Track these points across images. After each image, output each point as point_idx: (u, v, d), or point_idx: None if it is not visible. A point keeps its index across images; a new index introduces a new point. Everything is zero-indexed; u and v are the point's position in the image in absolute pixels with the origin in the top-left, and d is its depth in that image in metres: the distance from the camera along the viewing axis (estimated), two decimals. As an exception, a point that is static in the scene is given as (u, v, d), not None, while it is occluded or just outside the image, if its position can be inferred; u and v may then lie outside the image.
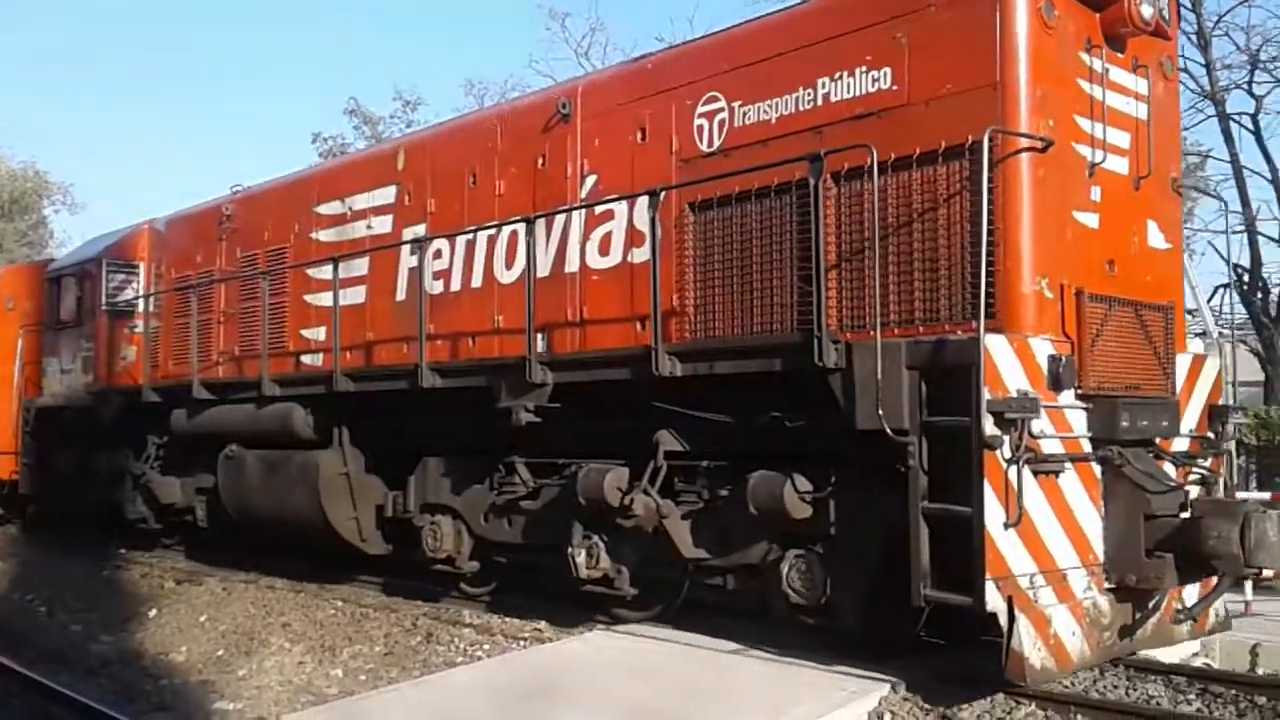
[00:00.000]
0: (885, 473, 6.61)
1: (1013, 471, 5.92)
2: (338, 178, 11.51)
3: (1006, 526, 5.91)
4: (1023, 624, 5.92)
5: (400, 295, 10.39)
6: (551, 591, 9.36)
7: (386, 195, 10.70)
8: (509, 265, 9.33)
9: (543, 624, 8.87)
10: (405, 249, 10.33)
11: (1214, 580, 6.78)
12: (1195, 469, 7.17)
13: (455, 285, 9.76)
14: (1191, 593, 7.10)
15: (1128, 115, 7.08)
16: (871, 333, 6.37)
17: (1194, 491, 7.00)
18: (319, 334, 11.40)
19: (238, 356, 12.52)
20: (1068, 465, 6.30)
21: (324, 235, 11.46)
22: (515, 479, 9.15)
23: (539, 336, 9.02)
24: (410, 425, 10.24)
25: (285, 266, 11.46)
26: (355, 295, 10.88)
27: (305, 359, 11.52)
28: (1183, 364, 7.29)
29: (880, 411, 6.14)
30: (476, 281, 9.60)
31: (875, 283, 6.36)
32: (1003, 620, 5.89)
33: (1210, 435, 7.43)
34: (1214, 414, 7.50)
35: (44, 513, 16.80)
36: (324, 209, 11.49)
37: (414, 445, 10.23)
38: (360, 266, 10.79)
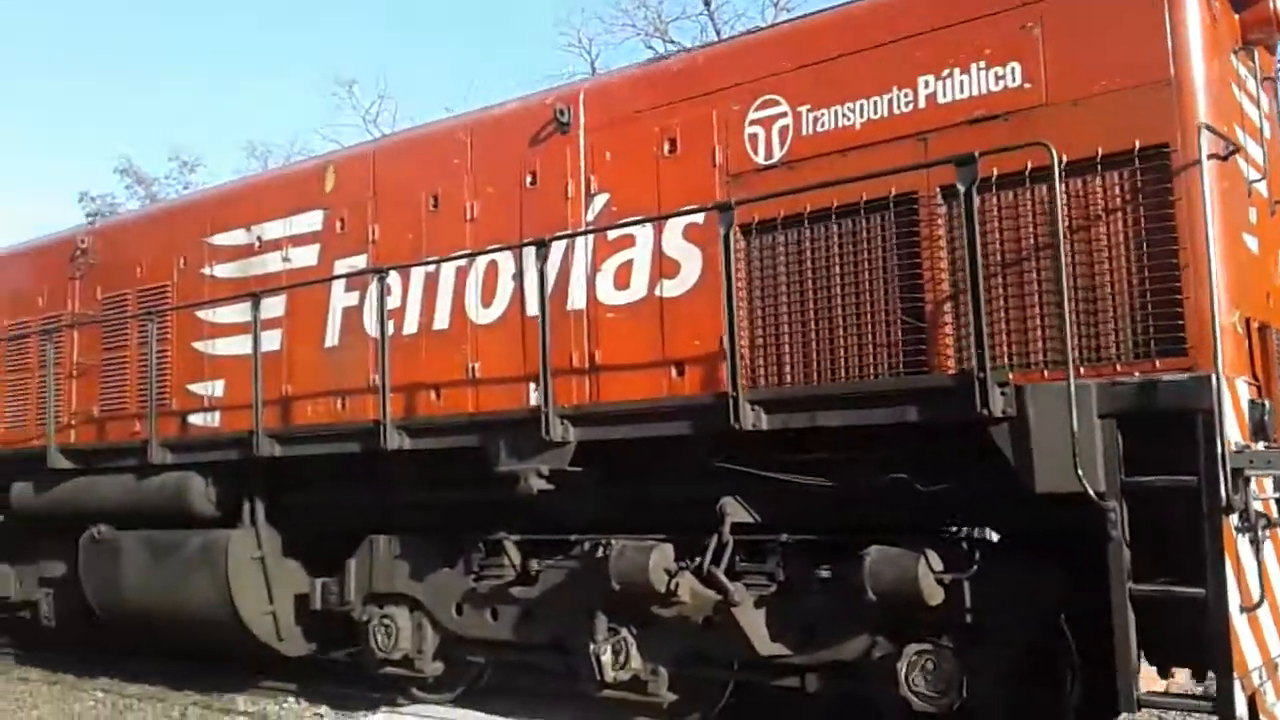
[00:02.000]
0: (1037, 545, 5.35)
1: (1243, 542, 4.74)
2: (239, 202, 9.44)
3: (1242, 610, 4.72)
4: (1258, 730, 4.74)
5: (330, 340, 8.46)
6: (541, 695, 7.62)
7: (310, 222, 8.76)
8: (486, 303, 7.62)
9: (323, 708, 8.33)
10: (338, 286, 8.44)
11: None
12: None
13: (410, 328, 7.95)
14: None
15: (1261, 131, 6.17)
16: (1044, 373, 5.12)
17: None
18: (213, 388, 9.25)
19: (98, 418, 10.14)
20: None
21: (221, 270, 9.36)
22: (502, 560, 7.38)
23: (530, 387, 7.36)
24: (348, 498, 8.28)
25: (178, 306, 9.26)
26: (268, 341, 8.84)
27: (194, 419, 9.34)
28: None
29: (1079, 471, 4.84)
30: (441, 323, 7.83)
31: (1069, 308, 5.09)
32: (1239, 727, 4.68)
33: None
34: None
35: None
36: (221, 239, 9.39)
37: (353, 522, 8.26)
38: (274, 307, 8.79)
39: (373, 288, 8.19)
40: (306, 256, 8.75)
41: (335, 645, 8.89)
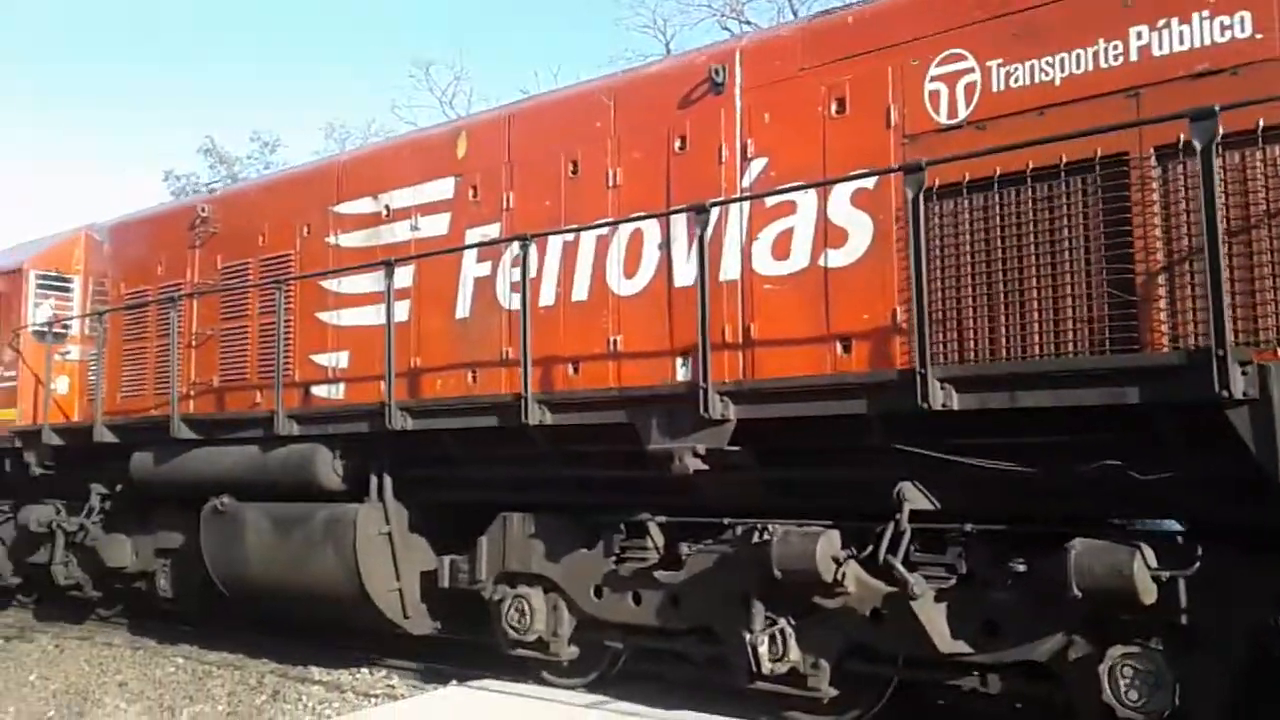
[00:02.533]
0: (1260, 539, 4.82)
1: None
2: (366, 170, 9.16)
3: None
4: None
5: (461, 311, 8.15)
6: (680, 685, 7.24)
7: (441, 189, 8.45)
8: (630, 273, 7.24)
9: (395, 680, 8.34)
10: (470, 256, 8.12)
11: None
12: None
13: (547, 299, 7.60)
14: None
15: None
16: (1276, 351, 4.59)
17: None
18: (337, 360, 9.02)
19: (217, 388, 9.99)
20: None
21: (347, 239, 9.11)
22: (645, 543, 7.00)
23: (678, 361, 6.97)
24: (478, 474, 7.96)
25: (307, 275, 9.01)
26: (396, 312, 8.57)
27: (317, 390, 9.12)
28: None
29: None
30: (580, 294, 7.47)
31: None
32: None
33: None
34: None
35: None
36: (347, 208, 9.14)
37: (482, 498, 7.96)
38: (403, 278, 8.50)
39: (506, 257, 7.89)
40: (436, 225, 8.44)
41: (459, 624, 8.60)
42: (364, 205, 9.01)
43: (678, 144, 7.09)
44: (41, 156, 53.19)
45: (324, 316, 9.14)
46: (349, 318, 8.99)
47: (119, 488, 10.58)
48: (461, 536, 8.22)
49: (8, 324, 11.78)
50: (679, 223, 6.96)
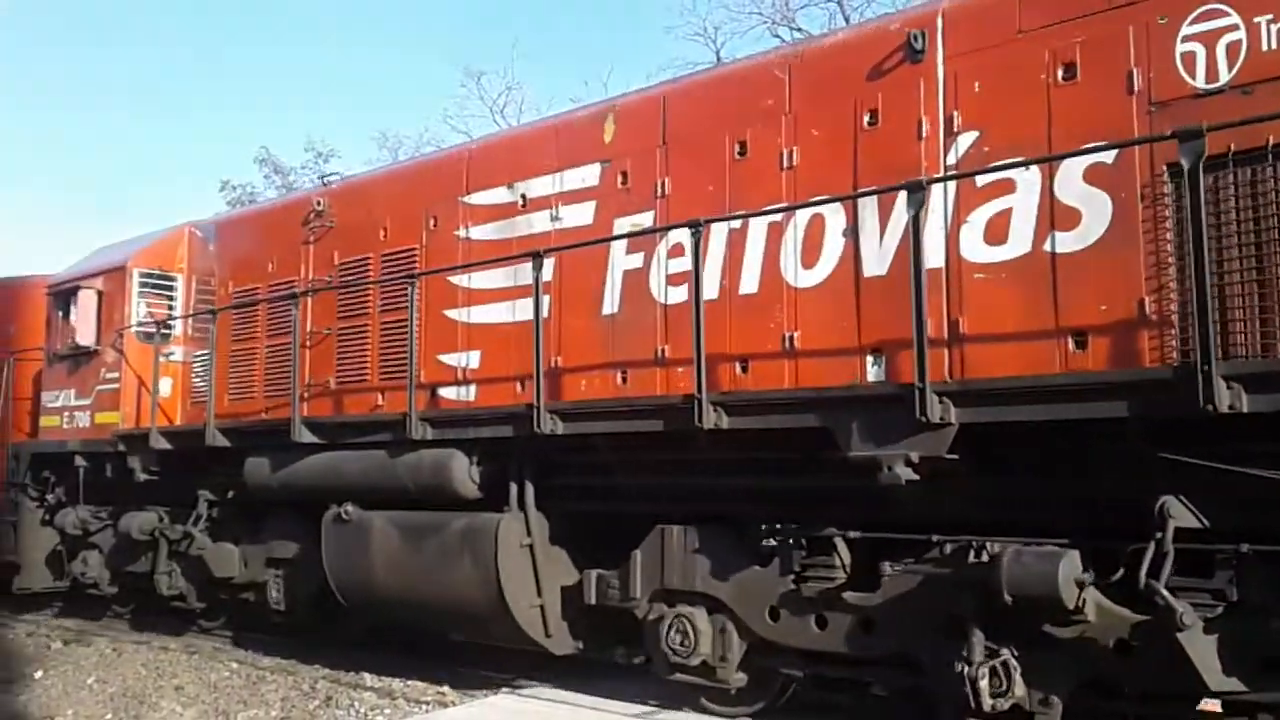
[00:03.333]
0: None
1: None
2: (499, 158, 8.56)
3: None
4: None
5: (609, 307, 7.51)
6: (862, 716, 6.51)
7: (584, 176, 7.82)
8: (809, 263, 6.54)
9: (445, 687, 8.25)
10: (618, 247, 7.47)
11: None
12: None
13: (710, 292, 6.91)
14: None
15: None
16: None
17: None
18: (468, 360, 8.42)
19: (334, 390, 9.43)
20: None
21: (479, 231, 8.50)
22: (830, 560, 6.28)
23: (868, 359, 6.25)
24: (632, 482, 7.29)
25: (439, 270, 8.40)
26: (528, 310, 7.94)
27: (445, 392, 8.52)
28: None
29: None
30: (748, 286, 6.79)
31: None
32: None
33: None
34: None
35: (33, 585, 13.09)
36: (478, 198, 8.54)
37: (637, 509, 7.29)
38: (542, 272, 7.88)
39: (661, 248, 7.24)
40: (580, 215, 7.81)
41: (601, 644, 7.94)
42: (497, 195, 8.41)
43: (866, 119, 6.38)
44: (93, 168, 53.78)
45: (453, 314, 8.54)
46: (480, 315, 8.38)
47: (230, 494, 10.06)
48: (604, 550, 7.58)
49: (110, 324, 11.34)
50: (867, 206, 6.26)
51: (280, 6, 50.48)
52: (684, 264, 7.08)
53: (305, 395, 9.73)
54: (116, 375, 11.18)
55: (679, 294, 7.12)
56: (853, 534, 6.17)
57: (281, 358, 9.99)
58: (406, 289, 8.81)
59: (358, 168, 24.49)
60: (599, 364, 7.51)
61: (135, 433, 10.68)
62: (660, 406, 6.70)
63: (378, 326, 9.15)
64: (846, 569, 6.27)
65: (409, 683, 8.50)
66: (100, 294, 11.44)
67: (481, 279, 8.38)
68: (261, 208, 11.23)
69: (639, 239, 7.35)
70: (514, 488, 7.75)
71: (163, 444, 10.19)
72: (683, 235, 7.06)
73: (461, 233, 8.60)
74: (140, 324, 11.11)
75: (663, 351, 7.16)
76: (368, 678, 8.75)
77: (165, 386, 11.26)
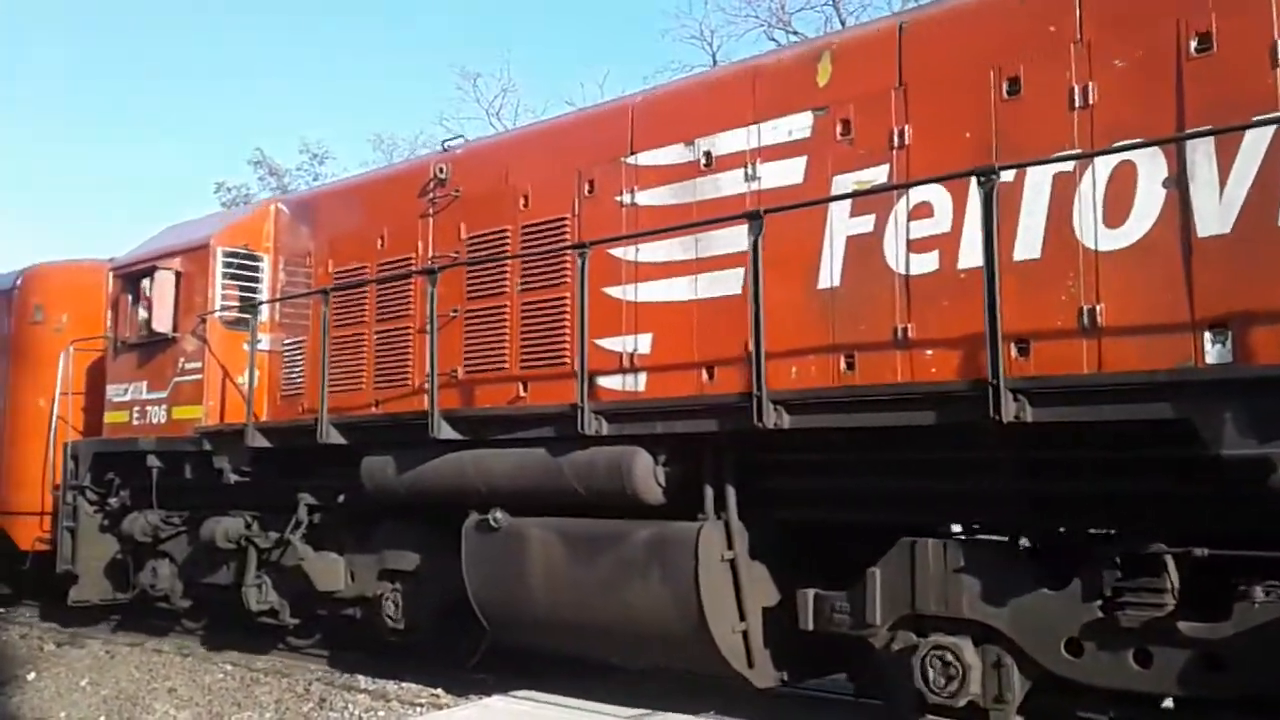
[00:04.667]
0: None
1: None
2: (675, 110, 7.31)
3: None
4: None
5: (826, 280, 6.27)
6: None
7: (791, 128, 6.58)
8: (1114, 221, 5.31)
9: (439, 689, 8.12)
10: (839, 211, 6.23)
11: None
12: None
13: (967, 260, 5.69)
14: None
15: None
16: None
17: None
18: (635, 344, 7.17)
19: (463, 380, 8.18)
20: None
21: (648, 196, 7.26)
22: (1159, 582, 5.04)
23: (1206, 337, 5.03)
24: (867, 485, 6.07)
25: (606, 240, 7.12)
26: (720, 285, 6.75)
27: (606, 382, 7.27)
28: None
29: None
30: (1027, 251, 5.55)
31: None
32: None
33: None
34: None
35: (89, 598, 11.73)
36: (646, 158, 7.29)
37: (871, 518, 6.07)
38: (726, 241, 6.68)
39: (900, 208, 6.02)
40: (785, 173, 6.57)
41: (803, 674, 6.73)
42: (672, 154, 7.16)
43: (1194, 44, 5.16)
44: (89, 170, 52.43)
45: (614, 292, 7.30)
46: (652, 292, 7.15)
47: (341, 498, 8.79)
48: (816, 566, 6.38)
49: (191, 309, 10.06)
50: (1198, 149, 5.04)
51: (276, 7, 49.26)
52: (931, 226, 5.88)
53: (427, 386, 8.50)
54: (198, 365, 9.90)
55: (925, 263, 5.89)
56: (1200, 551, 4.92)
57: (395, 344, 8.75)
58: (553, 265, 7.64)
59: (354, 169, 23.96)
60: (813, 346, 6.27)
61: (225, 429, 9.41)
62: (932, 394, 5.47)
63: (517, 307, 7.90)
64: (1176, 593, 5.04)
65: (403, 685, 8.37)
66: (178, 275, 10.17)
67: (653, 251, 7.13)
68: (366, 178, 9.95)
69: (868, 199, 6.12)
70: (709, 491, 6.51)
71: (261, 441, 8.93)
72: (930, 193, 5.87)
73: (625, 198, 7.36)
74: (226, 308, 9.85)
75: (903, 331, 5.93)
76: (361, 680, 8.64)
77: (253, 379, 10.01)
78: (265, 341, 10.05)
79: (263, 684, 8.72)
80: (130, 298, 10.68)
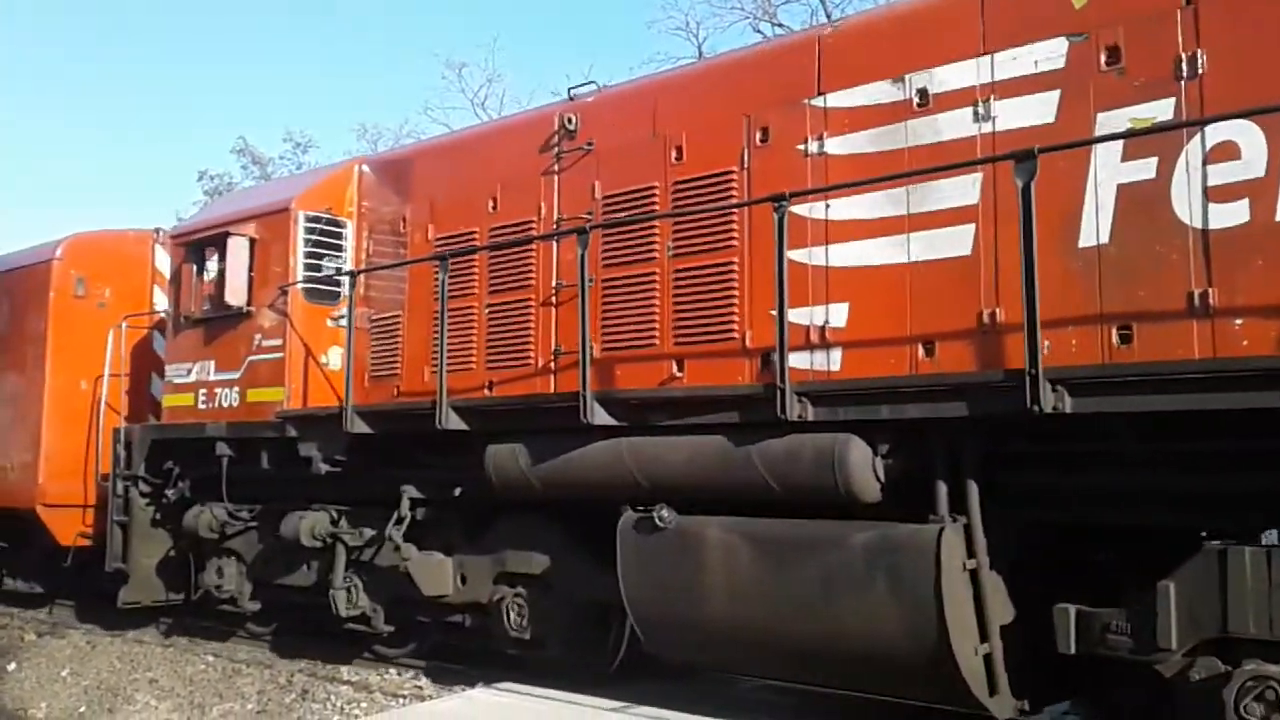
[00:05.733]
0: None
1: None
2: (877, 42, 6.19)
3: None
4: None
5: (1091, 237, 5.20)
6: None
7: (1038, 57, 5.48)
8: None
9: (424, 680, 8.06)
10: (1107, 156, 5.16)
11: None
12: None
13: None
14: None
15: None
16: None
17: None
18: (826, 315, 6.08)
19: (599, 359, 7.08)
20: None
21: (840, 144, 6.15)
22: None
23: None
24: (1151, 482, 5.01)
25: (812, 191, 6.01)
26: (938, 245, 5.68)
27: (794, 359, 6.16)
28: None
29: None
30: (1379, 197, 4.49)
31: None
32: None
33: None
34: None
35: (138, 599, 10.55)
36: (840, 99, 6.19)
37: (1164, 520, 5.02)
38: (951, 194, 5.61)
39: (1192, 149, 4.94)
40: (1031, 111, 5.47)
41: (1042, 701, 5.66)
42: (873, 93, 6.06)
43: None
44: (68, 157, 50.87)
45: (799, 256, 6.20)
46: (847, 256, 6.06)
47: (458, 491, 7.68)
48: (1059, 577, 5.34)
49: (268, 279, 8.91)
50: None
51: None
52: (1238, 171, 4.82)
53: (552, 366, 7.42)
54: (278, 343, 8.75)
55: (1230, 214, 4.83)
56: None
57: (513, 319, 7.66)
58: (719, 225, 6.56)
59: (338, 158, 22.91)
60: (1074, 316, 5.19)
61: (317, 413, 8.27)
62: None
63: (669, 275, 6.81)
64: None
65: (385, 676, 8.25)
66: (253, 242, 9.01)
67: (849, 208, 6.05)
68: (472, 133, 8.86)
69: (1145, 141, 5.04)
70: (941, 488, 5.42)
71: (362, 427, 7.80)
72: (1234, 130, 4.80)
73: (811, 147, 6.25)
74: (309, 279, 8.71)
75: (1201, 297, 4.87)
76: (344, 671, 8.46)
77: (335, 357, 8.90)
78: (345, 315, 8.94)
79: (245, 675, 8.53)
80: (195, 268, 9.51)
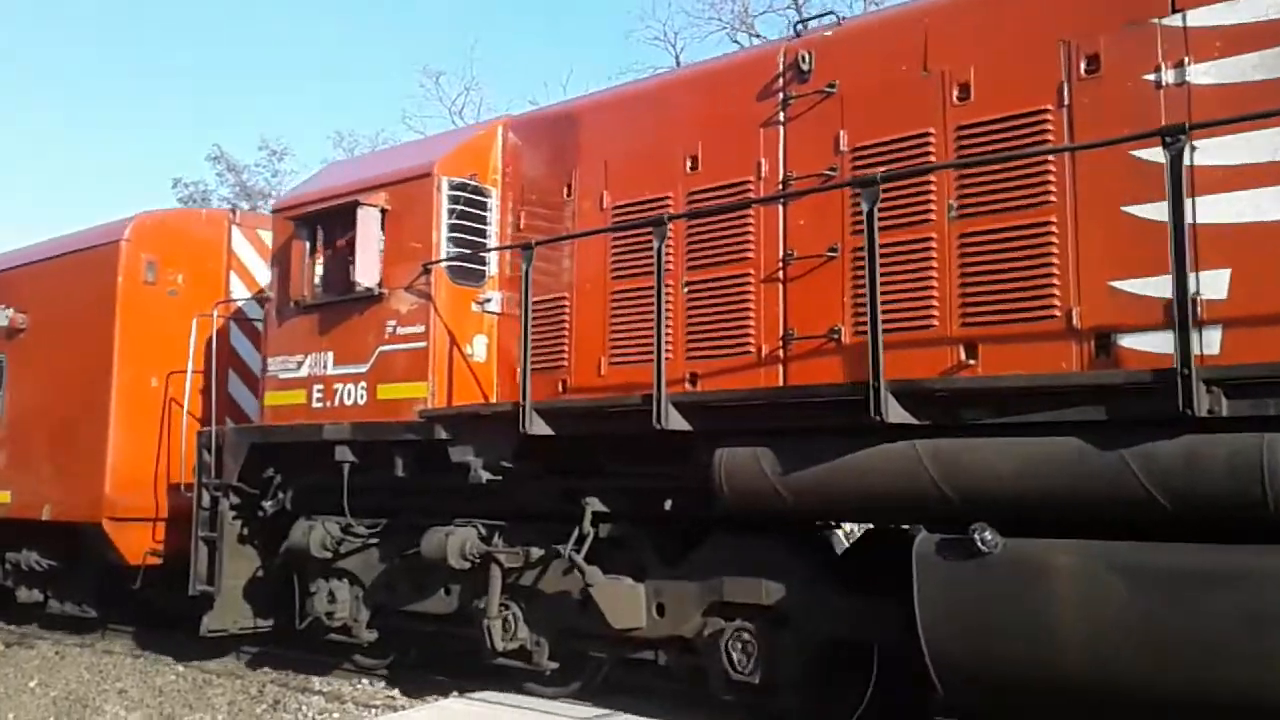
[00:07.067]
0: None
1: None
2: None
3: None
4: None
5: None
6: None
7: None
8: None
9: (395, 691, 7.86)
10: None
11: None
12: None
13: None
14: None
15: None
16: None
17: None
18: (1198, 285, 4.71)
19: (848, 344, 5.71)
20: None
21: (1211, 72, 4.80)
22: None
23: None
24: None
25: (1203, 125, 4.65)
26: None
27: (1132, 341, 4.84)
28: None
29: None
30: None
31: None
32: None
33: None
34: None
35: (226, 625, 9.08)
36: (1205, 16, 4.85)
37: None
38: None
39: None
40: None
41: None
42: (1261, 6, 4.75)
43: None
44: (43, 163, 49.05)
45: (1143, 212, 4.87)
46: (1226, 210, 4.72)
47: (668, 503, 6.28)
48: None
49: (401, 257, 7.49)
50: None
51: (236, 3, 46.23)
52: None
53: (782, 354, 6.05)
54: (418, 330, 7.31)
55: None
56: None
57: (725, 298, 6.28)
58: (1030, 177, 5.22)
59: (314, 167, 21.81)
60: None
61: (480, 411, 6.87)
62: None
63: (951, 242, 5.45)
64: None
65: (358, 686, 8.09)
66: (384, 213, 7.60)
67: (1224, 151, 4.72)
68: (659, 81, 7.51)
69: None
70: None
71: (542, 428, 6.39)
72: None
73: (1164, 76, 4.91)
74: (455, 257, 7.30)
75: None
76: (316, 681, 8.30)
77: (480, 348, 7.51)
78: (496, 301, 7.56)
79: (215, 685, 8.37)
80: (307, 245, 8.07)
